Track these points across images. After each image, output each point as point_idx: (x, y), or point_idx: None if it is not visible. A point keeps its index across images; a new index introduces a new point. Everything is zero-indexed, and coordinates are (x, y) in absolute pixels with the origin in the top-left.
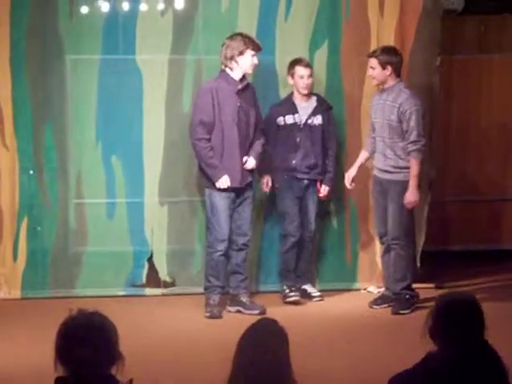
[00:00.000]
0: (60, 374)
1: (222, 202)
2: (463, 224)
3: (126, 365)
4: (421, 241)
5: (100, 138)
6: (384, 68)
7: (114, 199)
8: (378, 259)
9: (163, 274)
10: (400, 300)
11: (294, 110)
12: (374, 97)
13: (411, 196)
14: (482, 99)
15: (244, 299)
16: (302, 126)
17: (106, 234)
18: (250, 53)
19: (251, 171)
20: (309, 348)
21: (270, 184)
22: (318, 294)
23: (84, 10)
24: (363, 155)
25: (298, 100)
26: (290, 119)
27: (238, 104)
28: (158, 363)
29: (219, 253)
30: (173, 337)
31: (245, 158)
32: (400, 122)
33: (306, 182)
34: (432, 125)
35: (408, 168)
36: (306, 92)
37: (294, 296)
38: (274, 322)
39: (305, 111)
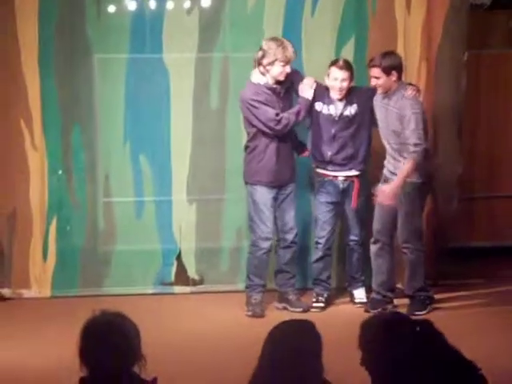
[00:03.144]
0: (84, 374)
1: (264, 199)
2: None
3: (153, 363)
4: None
5: (128, 137)
6: (389, 74)
7: (142, 198)
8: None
9: (192, 272)
10: (415, 302)
11: (332, 101)
12: (376, 97)
13: (388, 190)
14: (510, 94)
15: (290, 296)
16: (337, 119)
17: (134, 233)
18: (279, 63)
19: (294, 168)
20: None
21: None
22: (363, 300)
23: (111, 9)
24: None
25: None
26: (325, 109)
27: (280, 106)
28: (185, 362)
29: (263, 251)
30: (201, 335)
31: (306, 154)
32: (404, 128)
33: (342, 185)
34: (460, 121)
35: (418, 170)
36: (338, 97)
37: (316, 307)
38: (311, 327)
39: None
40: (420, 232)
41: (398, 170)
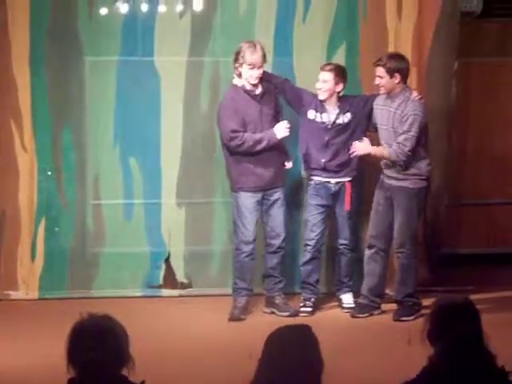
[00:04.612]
0: (72, 376)
1: (247, 203)
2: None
3: (141, 366)
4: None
5: (118, 140)
6: (392, 76)
7: (131, 200)
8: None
9: (180, 276)
10: (403, 307)
11: (324, 108)
12: (377, 101)
13: (365, 144)
14: (499, 103)
15: (277, 301)
16: (329, 127)
17: (123, 235)
18: (246, 66)
19: (281, 173)
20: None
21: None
22: (350, 305)
23: (103, 11)
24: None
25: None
26: (318, 117)
27: (261, 110)
28: (173, 365)
29: (245, 254)
30: (188, 338)
31: (288, 165)
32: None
33: (334, 188)
34: (449, 128)
35: (416, 175)
36: (321, 98)
37: (303, 312)
38: (310, 333)
39: (332, 113)
40: (416, 238)
41: (395, 173)
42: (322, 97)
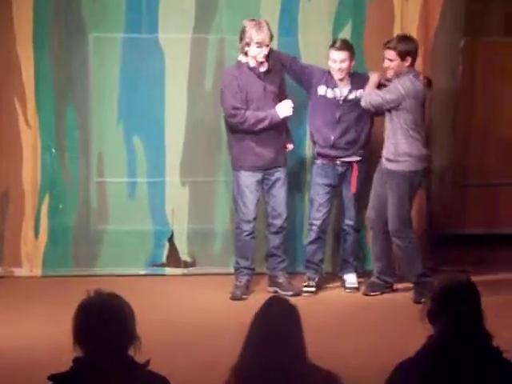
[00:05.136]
0: (78, 355)
1: (247, 182)
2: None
3: (145, 345)
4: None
5: (122, 117)
6: (403, 59)
7: (135, 178)
8: None
9: (184, 254)
10: (419, 288)
11: (335, 83)
12: (386, 81)
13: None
14: (505, 82)
15: (281, 280)
16: (341, 102)
17: (126, 213)
18: (253, 45)
19: (283, 154)
20: (324, 332)
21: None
22: (353, 285)
23: None
24: None
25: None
26: (329, 93)
27: (265, 88)
28: (177, 344)
29: (246, 233)
30: (192, 317)
31: (289, 147)
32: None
33: (341, 169)
34: (455, 107)
35: (407, 155)
36: (339, 77)
37: (307, 292)
38: (283, 301)
39: (344, 89)
40: (409, 220)
41: (389, 154)
42: (340, 76)
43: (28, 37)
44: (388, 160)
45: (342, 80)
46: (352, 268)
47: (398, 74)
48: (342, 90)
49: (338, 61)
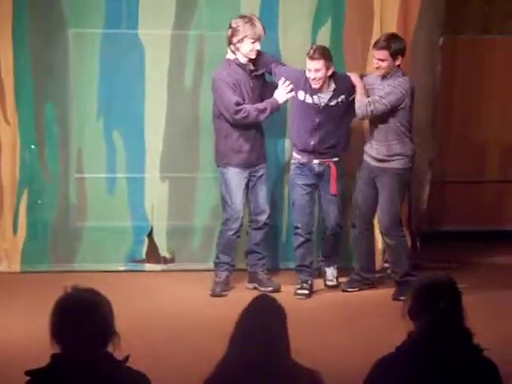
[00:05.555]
0: (56, 351)
1: (235, 179)
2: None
3: (123, 341)
4: (421, 221)
5: (101, 113)
6: (395, 59)
7: (114, 174)
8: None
9: (163, 250)
10: (401, 287)
11: (313, 90)
12: (373, 80)
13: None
14: (484, 80)
15: (260, 276)
16: (321, 108)
17: (106, 209)
18: (248, 41)
19: (264, 150)
20: (307, 328)
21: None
22: (333, 283)
23: None
24: None
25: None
26: (308, 98)
27: (251, 85)
28: (156, 340)
29: (233, 231)
30: (171, 313)
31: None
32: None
33: (318, 168)
34: (434, 105)
35: (400, 155)
36: (316, 86)
37: (300, 295)
38: (271, 300)
39: (325, 95)
40: (399, 218)
41: (380, 155)
42: (316, 85)
43: (7, 32)
44: (378, 160)
45: (320, 89)
46: (332, 261)
47: (387, 74)
48: (323, 97)
49: (312, 70)
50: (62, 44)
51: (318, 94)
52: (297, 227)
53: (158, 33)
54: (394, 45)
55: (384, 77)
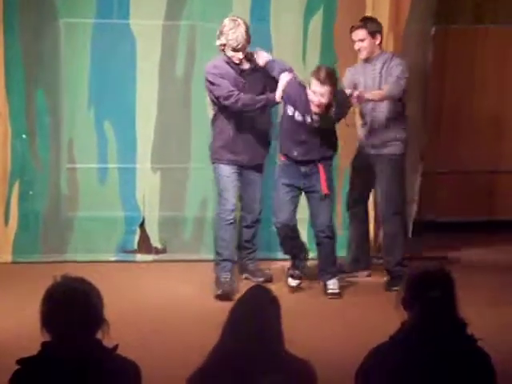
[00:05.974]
0: (46, 339)
1: (227, 173)
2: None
3: (114, 330)
4: (412, 212)
5: (93, 103)
6: (374, 37)
7: (106, 164)
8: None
9: (155, 241)
10: (394, 277)
11: (306, 109)
12: (357, 69)
13: (362, 93)
14: (475, 70)
15: (251, 267)
16: (307, 124)
17: (97, 200)
18: (228, 48)
19: (262, 151)
20: (300, 318)
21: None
22: (335, 291)
23: None
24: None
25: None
26: (299, 116)
27: (243, 84)
28: (147, 329)
29: (228, 222)
30: (161, 303)
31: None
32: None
33: (304, 169)
34: (425, 94)
35: (397, 140)
36: (316, 111)
37: (291, 284)
38: (266, 290)
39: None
40: (401, 207)
41: (377, 141)
42: (317, 110)
43: None
44: (376, 146)
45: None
46: (330, 274)
47: (369, 55)
48: (316, 119)
49: (318, 93)
50: (52, 34)
51: (313, 116)
52: (276, 226)
53: (150, 23)
54: (369, 24)
55: (369, 60)
